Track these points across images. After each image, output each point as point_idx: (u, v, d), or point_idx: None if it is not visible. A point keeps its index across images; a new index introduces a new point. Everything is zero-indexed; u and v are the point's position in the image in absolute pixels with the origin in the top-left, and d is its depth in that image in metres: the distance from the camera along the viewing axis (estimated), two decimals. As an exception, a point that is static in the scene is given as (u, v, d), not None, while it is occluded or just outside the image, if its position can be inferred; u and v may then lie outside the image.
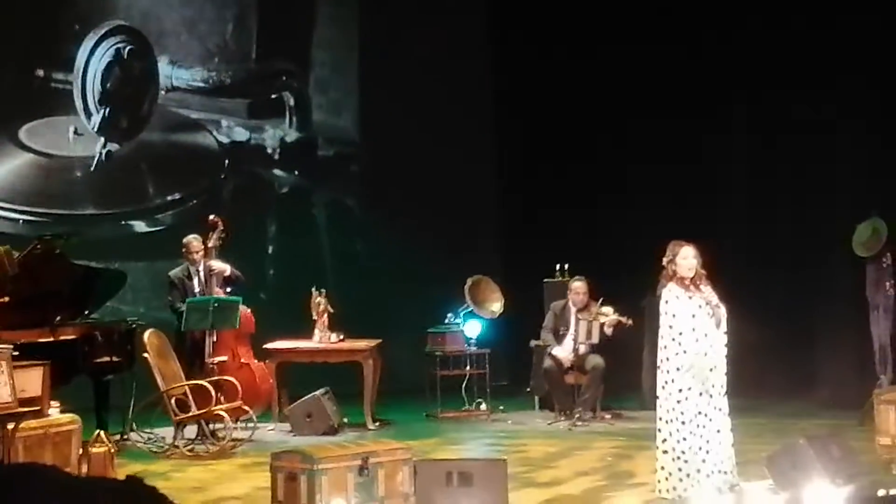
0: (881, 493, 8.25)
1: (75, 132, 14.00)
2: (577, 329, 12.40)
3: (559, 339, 12.68)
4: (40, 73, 13.87)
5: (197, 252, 11.73)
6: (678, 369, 8.36)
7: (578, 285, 12.67)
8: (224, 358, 11.65)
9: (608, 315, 12.33)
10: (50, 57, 13.95)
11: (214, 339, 11.50)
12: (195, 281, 11.73)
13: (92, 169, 14.00)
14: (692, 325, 8.33)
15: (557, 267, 13.05)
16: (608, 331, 12.33)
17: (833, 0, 13.16)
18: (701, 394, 8.33)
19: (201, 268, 11.76)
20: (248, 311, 11.97)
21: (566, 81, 14.84)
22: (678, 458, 8.36)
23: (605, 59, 14.60)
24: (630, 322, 12.27)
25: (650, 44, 14.31)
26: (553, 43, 15.01)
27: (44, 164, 13.90)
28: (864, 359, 12.14)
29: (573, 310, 12.61)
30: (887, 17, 12.75)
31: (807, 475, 8.47)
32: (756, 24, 13.72)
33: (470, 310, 12.97)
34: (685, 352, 8.30)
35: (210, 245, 11.75)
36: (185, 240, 11.82)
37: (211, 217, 11.93)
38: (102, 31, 14.09)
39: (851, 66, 13.07)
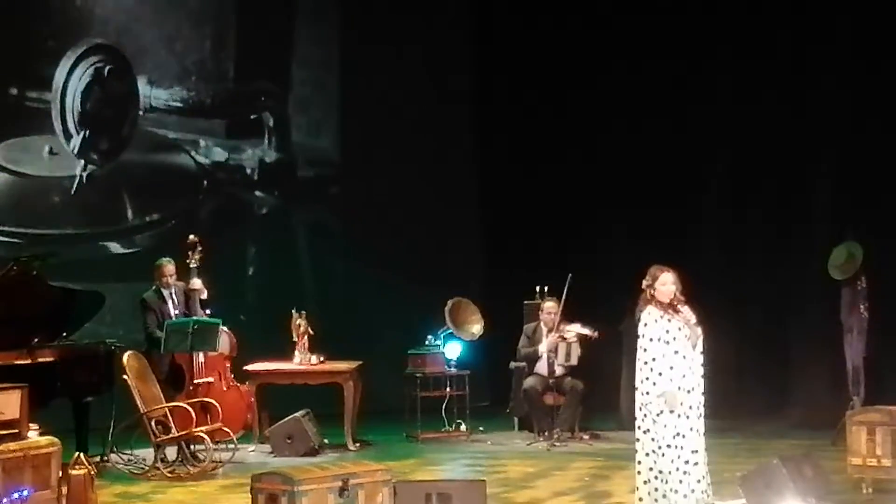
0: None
1: (50, 151, 13.85)
2: (556, 351, 12.48)
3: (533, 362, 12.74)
4: (14, 91, 13.70)
5: (171, 275, 11.70)
6: (652, 392, 8.43)
7: (550, 305, 12.75)
8: (210, 379, 11.69)
9: (573, 331, 12.43)
10: (23, 75, 13.77)
11: (203, 360, 11.53)
12: (170, 304, 11.69)
13: (73, 192, 13.90)
14: (668, 349, 8.38)
15: (537, 289, 13.10)
16: (575, 348, 12.41)
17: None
18: (679, 415, 8.39)
19: (174, 291, 11.73)
20: (231, 333, 12.02)
21: (550, 103, 14.88)
22: (655, 478, 8.42)
23: (594, 78, 14.64)
24: (595, 334, 12.39)
25: (633, 58, 14.41)
26: (538, 69, 15.02)
27: (19, 183, 13.76)
28: (838, 380, 12.27)
29: (545, 331, 12.69)
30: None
31: (780, 495, 8.61)
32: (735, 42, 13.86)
33: (450, 332, 13.00)
34: (660, 374, 8.36)
35: (192, 266, 11.76)
36: (157, 262, 11.76)
37: (191, 237, 11.93)
38: (81, 50, 13.91)
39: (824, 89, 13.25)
